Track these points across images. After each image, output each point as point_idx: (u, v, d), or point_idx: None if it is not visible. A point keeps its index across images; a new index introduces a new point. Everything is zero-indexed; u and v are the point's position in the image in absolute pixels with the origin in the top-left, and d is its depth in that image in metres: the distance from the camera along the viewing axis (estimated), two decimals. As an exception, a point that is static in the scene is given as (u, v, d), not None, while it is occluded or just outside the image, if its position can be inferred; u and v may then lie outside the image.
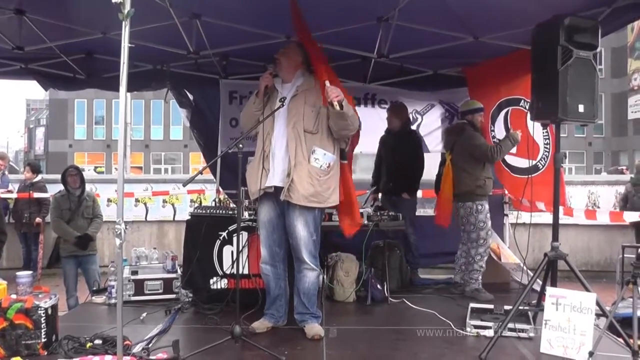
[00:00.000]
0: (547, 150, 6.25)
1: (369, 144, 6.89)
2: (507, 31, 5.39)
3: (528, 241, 4.91)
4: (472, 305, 4.87)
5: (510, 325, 4.25)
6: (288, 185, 4.32)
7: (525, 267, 5.56)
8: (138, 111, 42.18)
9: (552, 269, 4.35)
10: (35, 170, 10.11)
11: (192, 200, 10.88)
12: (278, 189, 4.40)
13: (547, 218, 4.98)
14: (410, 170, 6.62)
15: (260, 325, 4.52)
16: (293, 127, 4.38)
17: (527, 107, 6.11)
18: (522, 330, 4.35)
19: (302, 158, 4.35)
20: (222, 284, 5.38)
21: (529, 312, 4.53)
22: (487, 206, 5.93)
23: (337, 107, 4.18)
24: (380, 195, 6.77)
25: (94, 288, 6.08)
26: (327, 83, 4.25)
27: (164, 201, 11.19)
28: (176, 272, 5.70)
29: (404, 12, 5.00)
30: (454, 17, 5.16)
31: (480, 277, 5.91)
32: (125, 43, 3.35)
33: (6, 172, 10.49)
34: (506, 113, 6.48)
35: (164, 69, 6.94)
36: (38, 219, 9.56)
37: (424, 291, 6.20)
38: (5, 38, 5.90)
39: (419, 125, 7.48)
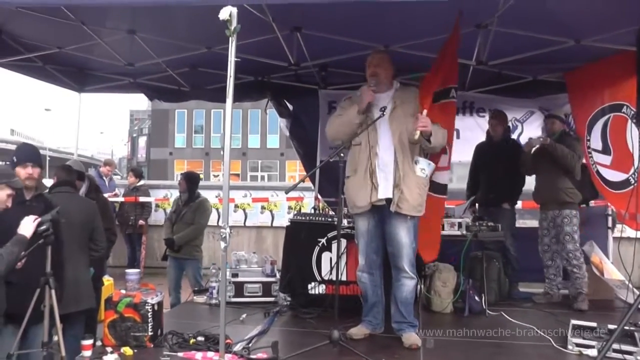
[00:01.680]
0: None
1: (466, 153, 6.81)
2: (610, 32, 5.18)
3: (634, 257, 4.66)
4: (573, 322, 4.62)
5: (615, 346, 4.01)
6: (398, 196, 4.38)
7: (630, 285, 5.30)
8: (236, 120, 43.29)
9: (659, 288, 4.12)
10: (138, 175, 10.68)
11: (290, 207, 11.08)
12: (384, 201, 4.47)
13: (656, 231, 4.73)
14: (512, 180, 6.45)
15: (358, 331, 4.57)
16: (399, 140, 4.45)
17: (630, 114, 5.82)
18: (628, 353, 4.12)
19: (409, 169, 4.44)
20: (320, 289, 5.49)
21: (635, 333, 4.24)
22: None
23: (415, 137, 4.33)
24: (477, 205, 6.65)
25: (196, 288, 6.35)
26: (425, 112, 4.37)
27: (263, 207, 11.47)
28: (275, 276, 5.87)
29: (503, 18, 4.92)
30: (555, 21, 5.02)
31: (547, 286, 6.21)
32: (232, 57, 3.52)
33: (113, 177, 11.10)
34: (606, 120, 6.17)
35: (265, 80, 7.18)
36: (141, 222, 10.10)
37: (523, 305, 6.01)
38: (118, 56, 6.33)
39: (519, 134, 7.28)
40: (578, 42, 5.48)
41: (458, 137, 6.91)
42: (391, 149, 4.47)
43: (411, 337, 4.42)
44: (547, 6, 4.67)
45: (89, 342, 3.95)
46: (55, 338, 3.84)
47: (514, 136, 7.16)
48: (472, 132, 6.91)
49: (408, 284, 4.53)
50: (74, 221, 4.38)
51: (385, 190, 4.45)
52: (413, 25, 4.79)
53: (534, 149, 6.06)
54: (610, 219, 7.15)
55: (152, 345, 4.22)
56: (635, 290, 5.22)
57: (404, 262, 4.47)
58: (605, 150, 6.13)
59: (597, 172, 6.14)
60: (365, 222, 4.57)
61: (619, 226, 6.74)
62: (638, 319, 4.36)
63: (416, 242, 4.55)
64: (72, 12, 5.04)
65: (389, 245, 4.54)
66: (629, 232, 5.93)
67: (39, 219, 3.66)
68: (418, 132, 4.31)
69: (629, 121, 5.87)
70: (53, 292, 3.70)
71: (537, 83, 7.00)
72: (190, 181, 6.98)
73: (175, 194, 10.75)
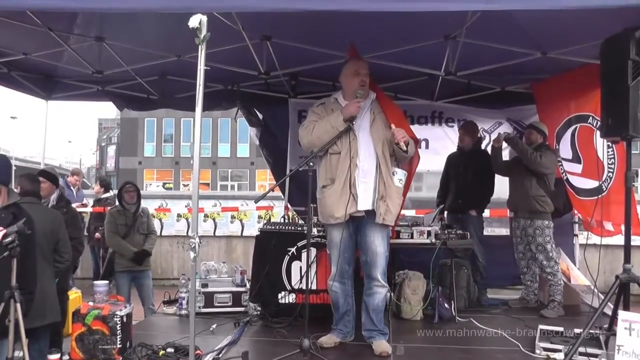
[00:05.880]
0: (612, 170, 5.95)
1: (436, 163, 6.88)
2: (575, 46, 5.30)
3: (599, 263, 4.76)
4: (541, 327, 4.75)
5: (581, 349, 4.11)
6: (385, 209, 4.39)
7: (596, 290, 5.39)
8: (206, 129, 43.07)
9: (624, 292, 4.18)
10: (105, 185, 10.33)
11: (260, 217, 11.05)
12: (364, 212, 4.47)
13: (619, 239, 4.83)
14: (482, 188, 6.53)
15: (328, 340, 4.57)
16: (382, 151, 4.46)
17: (595, 125, 5.96)
18: (594, 355, 4.19)
19: (390, 181, 4.45)
20: (290, 298, 5.46)
21: (601, 337, 4.33)
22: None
23: (404, 147, 4.36)
24: (446, 213, 6.72)
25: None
26: (393, 126, 4.39)
27: (233, 217, 11.41)
28: (245, 285, 5.83)
29: (472, 29, 4.99)
30: (522, 33, 5.12)
31: (524, 292, 6.35)
32: (201, 66, 3.50)
33: (80, 187, 10.87)
34: (574, 130, 6.30)
35: (235, 89, 7.15)
36: (97, 235, 9.72)
37: (492, 311, 6.08)
38: (86, 63, 6.25)
39: (487, 145, 7.35)
40: (544, 54, 5.59)
41: (427, 147, 7.04)
42: (373, 159, 4.46)
43: (381, 345, 4.43)
44: (513, 19, 4.76)
45: (56, 356, 3.87)
46: (19, 353, 3.76)
47: (482, 147, 7.25)
48: (440, 142, 6.98)
49: (380, 292, 4.54)
50: (38, 232, 4.25)
51: (364, 202, 4.43)
52: (381, 35, 4.83)
53: (503, 143, 6.20)
54: (576, 226, 7.27)
55: (120, 358, 4.17)
56: (600, 295, 5.29)
57: (378, 271, 4.48)
58: (575, 159, 6.27)
59: (567, 180, 6.26)
60: (339, 233, 4.54)
61: (584, 233, 6.86)
62: (603, 322, 4.45)
63: (388, 252, 4.57)
64: (39, 17, 4.96)
65: (363, 254, 4.55)
66: (595, 239, 6.05)
67: (4, 231, 3.58)
68: (402, 144, 4.33)
69: (596, 132, 6.01)
70: (18, 305, 3.62)
71: (505, 94, 7.10)
72: (138, 191, 6.75)
73: (147, 203, 10.64)
